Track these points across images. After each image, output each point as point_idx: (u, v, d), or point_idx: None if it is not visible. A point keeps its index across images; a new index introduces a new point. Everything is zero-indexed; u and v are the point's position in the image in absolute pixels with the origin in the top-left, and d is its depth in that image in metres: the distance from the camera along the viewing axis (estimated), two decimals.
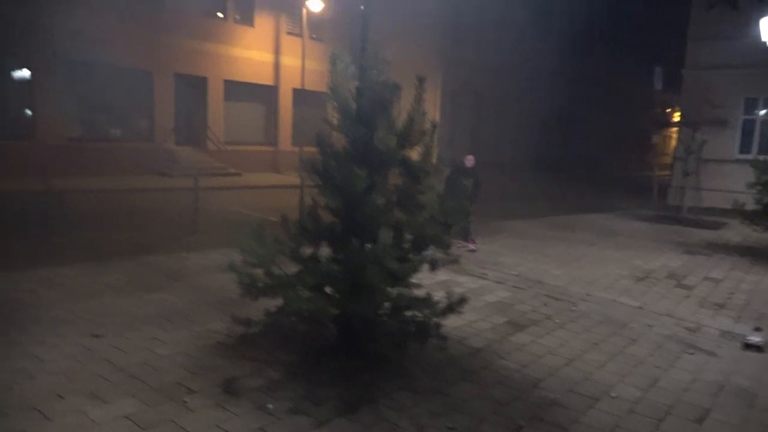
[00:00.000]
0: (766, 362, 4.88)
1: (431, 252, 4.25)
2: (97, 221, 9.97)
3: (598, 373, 4.45)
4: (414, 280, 4.22)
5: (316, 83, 21.00)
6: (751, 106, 17.32)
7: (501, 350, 4.79)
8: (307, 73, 20.22)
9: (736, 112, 17.19)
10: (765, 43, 13.44)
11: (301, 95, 20.94)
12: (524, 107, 29.85)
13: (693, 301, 6.72)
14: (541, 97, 29.85)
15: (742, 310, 6.49)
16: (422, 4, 22.41)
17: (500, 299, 6.33)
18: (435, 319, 4.25)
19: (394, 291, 4.10)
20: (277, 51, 21.08)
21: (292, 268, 4.19)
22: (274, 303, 4.25)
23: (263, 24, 20.61)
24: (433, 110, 23.60)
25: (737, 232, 12.17)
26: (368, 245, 3.77)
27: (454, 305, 4.24)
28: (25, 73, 15.59)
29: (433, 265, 4.21)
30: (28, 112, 15.69)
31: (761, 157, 11.61)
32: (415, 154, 4.05)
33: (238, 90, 20.21)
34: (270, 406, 3.58)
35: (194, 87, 19.12)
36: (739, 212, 10.48)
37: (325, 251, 4.22)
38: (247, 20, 20.31)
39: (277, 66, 21.15)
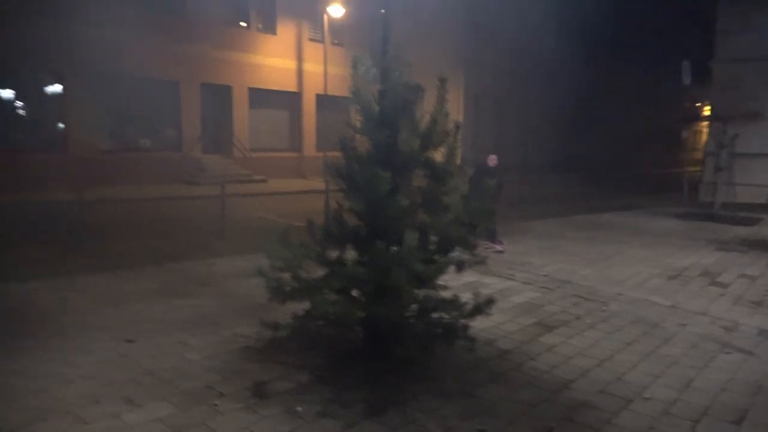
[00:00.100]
0: None
1: (457, 253, 4.23)
2: (128, 230, 10.18)
3: (631, 373, 4.36)
4: (440, 281, 4.20)
5: (339, 88, 21.22)
6: None
7: (530, 351, 4.74)
8: (329, 78, 20.39)
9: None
10: None
11: (324, 101, 21.12)
12: (548, 108, 29.54)
13: (728, 299, 6.55)
14: (565, 96, 29.50)
15: None
16: (444, 7, 22.40)
17: (528, 300, 6.26)
18: (462, 321, 4.22)
19: (420, 293, 4.09)
20: (299, 57, 21.28)
21: (319, 272, 4.22)
22: (301, 307, 4.28)
23: (285, 31, 20.83)
24: (456, 113, 23.52)
25: None
26: (393, 248, 3.78)
27: (482, 306, 4.21)
28: (57, 87, 16.03)
29: (460, 267, 4.18)
30: (61, 125, 16.12)
31: None
32: (438, 155, 4.04)
33: (262, 97, 20.46)
34: (299, 409, 3.60)
35: (220, 96, 19.41)
36: None
37: (350, 254, 4.24)
38: (270, 28, 20.55)
39: (300, 72, 21.36)
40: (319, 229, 4.22)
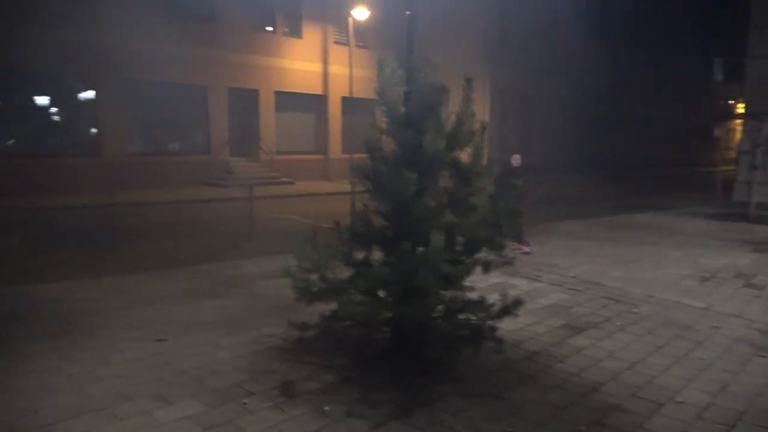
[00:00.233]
0: None
1: (484, 254, 4.21)
2: (157, 232, 10.38)
3: (663, 377, 4.28)
4: (467, 283, 4.18)
5: (364, 90, 21.22)
6: None
7: (559, 354, 4.68)
8: (354, 80, 20.45)
9: None
10: None
11: (349, 103, 21.21)
12: (574, 106, 29.14)
13: (764, 302, 6.37)
14: (591, 95, 29.09)
15: None
16: (468, 7, 22.31)
17: (557, 302, 6.18)
18: (489, 322, 4.20)
19: (446, 294, 4.08)
20: (325, 60, 21.43)
21: (345, 273, 4.24)
22: (328, 308, 4.31)
23: (311, 35, 21.00)
24: (481, 112, 23.34)
25: None
26: (420, 248, 3.77)
27: (509, 308, 4.18)
28: (90, 93, 16.44)
29: (486, 268, 4.16)
30: (94, 130, 16.52)
31: None
32: (464, 155, 4.02)
33: (288, 100, 20.65)
34: (326, 408, 3.62)
35: (246, 100, 19.66)
36: None
37: (376, 255, 4.25)
38: (296, 32, 20.75)
39: (325, 75, 21.50)
40: (345, 230, 4.24)
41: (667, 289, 6.79)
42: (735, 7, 19.18)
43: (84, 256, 8.01)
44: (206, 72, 18.14)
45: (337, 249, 4.16)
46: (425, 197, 3.78)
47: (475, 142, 3.98)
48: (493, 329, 4.21)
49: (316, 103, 21.69)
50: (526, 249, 8.64)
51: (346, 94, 21.22)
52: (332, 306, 4.24)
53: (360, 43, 21.82)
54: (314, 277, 4.22)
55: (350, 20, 20.10)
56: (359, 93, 20.93)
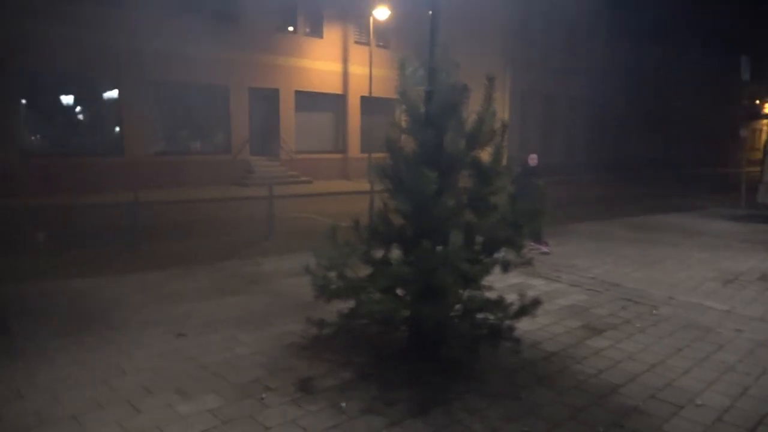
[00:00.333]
0: None
1: (502, 254, 4.21)
2: (180, 230, 10.54)
3: (682, 379, 4.23)
4: (485, 282, 4.18)
5: (384, 90, 21.32)
6: None
7: (577, 355, 4.66)
8: (374, 80, 20.52)
9: None
10: None
11: (368, 102, 21.27)
12: (597, 106, 28.79)
13: None
14: (615, 94, 28.71)
15: None
16: (490, 6, 22.20)
17: (575, 302, 6.15)
18: (508, 322, 4.19)
19: (465, 293, 4.09)
20: (345, 60, 21.51)
21: (364, 271, 4.27)
22: (346, 306, 4.35)
23: (331, 35, 21.11)
24: (501, 112, 23.19)
25: None
26: (439, 247, 3.79)
27: (528, 308, 4.17)
28: (114, 93, 16.73)
29: (505, 267, 4.16)
30: (117, 129, 16.82)
31: None
32: (485, 155, 4.03)
33: (308, 100, 20.79)
34: (343, 405, 3.66)
35: (267, 99, 19.83)
36: None
37: (395, 254, 4.27)
38: (317, 32, 20.87)
39: (345, 75, 21.59)
40: (365, 229, 4.27)
41: (689, 292, 6.70)
42: (763, 5, 18.80)
43: (107, 253, 8.16)
44: (228, 72, 18.35)
45: (356, 247, 4.20)
46: (445, 196, 3.79)
47: (495, 141, 3.98)
48: (511, 329, 4.21)
49: (335, 102, 21.80)
50: (544, 249, 8.59)
51: (366, 94, 21.29)
52: (351, 304, 4.28)
53: (380, 43, 21.89)
54: (333, 275, 4.26)
55: (371, 20, 20.16)
56: (378, 93, 21.00)
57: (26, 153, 14.98)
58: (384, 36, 22.06)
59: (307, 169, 20.12)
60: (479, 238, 4.12)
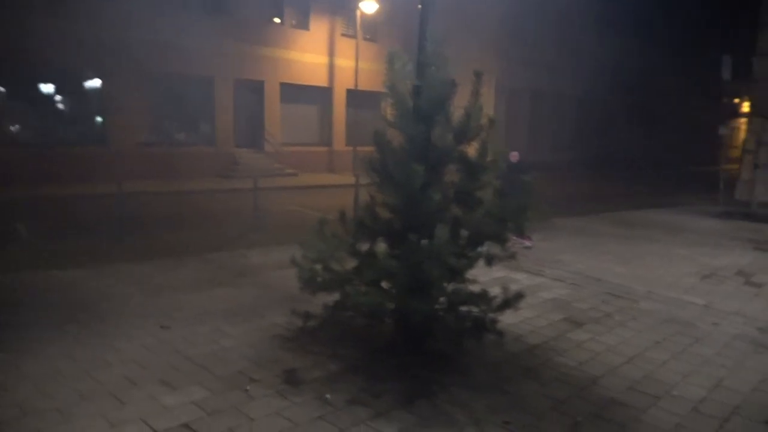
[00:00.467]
0: None
1: (486, 248, 4.27)
2: (167, 221, 10.47)
3: (660, 371, 4.34)
4: (469, 276, 4.24)
5: (370, 83, 21.30)
6: None
7: (559, 347, 4.75)
8: (360, 73, 20.48)
9: None
10: None
11: (354, 96, 21.22)
12: (584, 103, 29.04)
13: (763, 300, 6.42)
14: (601, 92, 28.96)
15: None
16: (477, 1, 22.21)
17: (558, 296, 6.25)
18: (491, 315, 4.26)
19: (449, 286, 4.14)
20: (331, 53, 21.42)
21: (350, 264, 4.31)
22: (332, 298, 4.38)
23: (318, 27, 20.99)
24: (487, 108, 23.30)
25: None
26: (425, 241, 3.83)
27: (511, 301, 4.24)
28: (97, 82, 16.50)
29: (490, 261, 4.22)
30: (98, 119, 16.61)
31: None
32: (471, 150, 4.07)
33: (293, 92, 20.67)
34: (328, 396, 3.70)
35: (252, 91, 19.69)
36: None
37: (381, 247, 4.31)
38: (303, 24, 20.74)
39: (331, 68, 21.50)
40: (352, 222, 4.30)
41: (669, 286, 6.84)
42: (745, 6, 19.09)
43: (93, 244, 8.09)
44: (213, 63, 18.17)
45: (343, 240, 4.23)
46: (432, 190, 3.83)
47: (482, 136, 4.02)
48: (495, 322, 4.27)
49: (321, 95, 21.71)
50: (527, 243, 8.69)
51: (352, 87, 21.25)
52: (337, 297, 4.32)
53: (367, 36, 21.81)
54: (319, 267, 4.28)
55: (358, 13, 20.09)
56: (365, 86, 20.97)
57: (7, 143, 14.74)
58: (371, 29, 22.00)
59: (292, 161, 20.04)
60: (464, 232, 4.18)
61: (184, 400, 3.61)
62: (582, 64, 27.80)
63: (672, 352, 4.73)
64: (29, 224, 9.04)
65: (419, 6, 4.22)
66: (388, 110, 4.19)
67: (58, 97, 16.25)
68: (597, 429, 3.45)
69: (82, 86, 16.54)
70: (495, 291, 4.42)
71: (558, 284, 6.77)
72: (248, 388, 3.79)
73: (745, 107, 24.85)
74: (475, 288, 4.28)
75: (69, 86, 16.28)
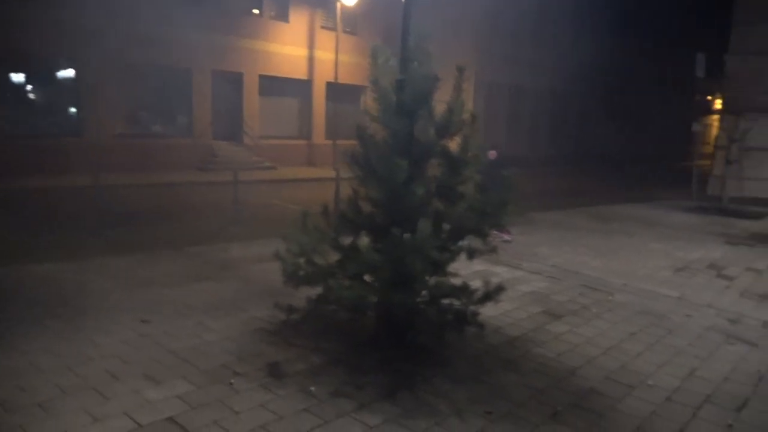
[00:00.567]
0: None
1: (466, 242, 4.33)
2: (143, 215, 10.35)
3: (636, 362, 4.47)
4: (451, 269, 4.30)
5: (350, 76, 21.24)
6: None
7: (538, 339, 4.85)
8: (340, 66, 20.39)
9: None
10: None
11: (334, 89, 21.14)
12: (564, 100, 29.36)
13: (734, 292, 6.62)
14: (578, 89, 29.32)
15: None
16: None
17: (536, 289, 6.36)
18: (472, 308, 4.32)
19: (431, 280, 4.20)
20: (311, 45, 21.30)
21: (333, 258, 4.33)
22: (315, 292, 4.40)
23: (298, 19, 20.84)
24: (466, 104, 23.38)
25: None
26: (407, 235, 3.87)
27: (491, 294, 4.31)
28: (71, 72, 16.17)
29: (471, 255, 4.28)
30: (73, 109, 16.29)
31: None
32: (453, 145, 4.13)
33: (272, 85, 20.53)
34: (312, 389, 3.73)
35: (231, 83, 19.50)
36: None
37: (364, 241, 4.34)
38: (283, 16, 20.57)
39: (311, 60, 21.39)
40: (335, 215, 4.33)
41: (643, 279, 7.01)
42: (719, 5, 19.52)
43: (70, 238, 7.98)
44: (191, 54, 17.93)
45: (326, 234, 4.25)
46: (415, 185, 3.87)
47: (464, 131, 4.08)
48: (476, 315, 4.34)
49: (301, 88, 21.58)
50: (506, 237, 8.80)
51: (332, 80, 21.15)
52: (319, 290, 4.34)
53: (347, 29, 21.72)
54: (302, 261, 4.30)
55: (338, 5, 19.99)
56: (345, 79, 20.90)
57: None
58: (351, 22, 21.91)
59: (271, 154, 19.91)
60: (446, 226, 4.23)
61: (168, 394, 3.60)
62: (560, 60, 28.08)
63: (647, 343, 4.86)
64: (3, 218, 8.87)
65: (402, 0, 4.24)
66: (371, 104, 4.21)
67: (30, 87, 15.89)
68: (576, 418, 3.55)
69: (56, 76, 16.20)
70: (476, 284, 4.50)
71: (536, 277, 6.89)
72: (232, 381, 3.80)
73: (718, 104, 25.43)
74: (456, 281, 4.34)
75: (42, 75, 15.94)
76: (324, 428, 3.29)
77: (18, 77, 15.54)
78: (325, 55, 21.26)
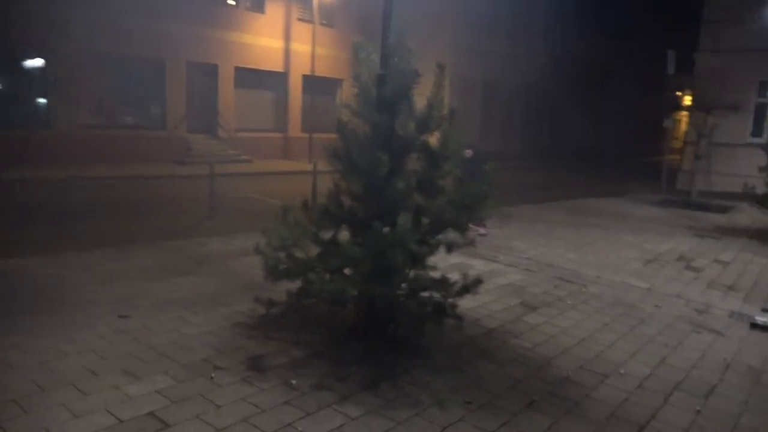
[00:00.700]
0: None
1: (446, 235, 4.39)
2: (117, 208, 10.19)
3: (608, 351, 4.60)
4: (429, 262, 4.36)
5: (326, 69, 21.15)
6: (765, 89, 17.23)
7: (515, 330, 4.95)
8: (317, 59, 20.29)
9: (749, 96, 17.10)
10: None
11: (311, 81, 21.03)
12: (535, 95, 29.68)
13: (702, 283, 6.84)
14: (552, 85, 29.68)
15: (750, 291, 6.61)
16: None
17: (512, 282, 6.47)
18: (451, 300, 4.39)
19: (411, 273, 4.25)
20: (287, 37, 21.12)
21: (313, 252, 4.35)
22: (295, 285, 4.41)
23: (274, 10, 20.63)
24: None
25: (747, 216, 12.21)
26: (387, 228, 3.92)
27: (470, 286, 4.38)
28: (41, 63, 15.76)
29: (450, 248, 4.34)
30: (42, 101, 15.90)
31: None
32: (432, 140, 4.17)
33: (248, 77, 20.31)
34: (294, 382, 3.75)
35: (206, 74, 19.24)
36: (749, 196, 10.54)
37: (344, 235, 4.37)
38: (258, 7, 20.35)
39: (287, 52, 21.21)
40: (316, 209, 4.34)
41: (616, 271, 7.18)
42: (691, 3, 19.97)
43: (40, 231, 7.82)
44: (164, 44, 17.63)
45: (306, 228, 4.26)
46: (396, 179, 3.91)
47: (444, 126, 4.13)
48: (454, 307, 4.41)
49: (277, 80, 21.40)
50: (482, 231, 8.91)
51: (308, 73, 21.04)
52: (299, 284, 4.35)
53: (324, 21, 21.59)
54: (283, 255, 4.31)
55: None
56: (321, 72, 20.81)
57: None
58: (328, 15, 21.77)
59: (246, 147, 19.73)
60: (425, 220, 4.28)
61: (149, 389, 3.59)
62: (534, 56, 28.38)
63: (619, 333, 5.01)
64: None
65: None
66: (352, 99, 4.23)
67: None
68: (551, 406, 3.65)
69: (23, 66, 15.78)
70: (454, 277, 4.57)
71: (512, 270, 7.01)
72: (213, 375, 3.80)
73: (687, 101, 26.03)
74: (435, 274, 4.40)
75: (9, 66, 15.50)
76: (306, 420, 3.32)
77: None
78: (301, 47, 21.11)
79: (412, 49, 3.96)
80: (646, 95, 37.66)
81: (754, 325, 5.32)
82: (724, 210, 13.16)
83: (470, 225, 8.48)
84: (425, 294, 4.37)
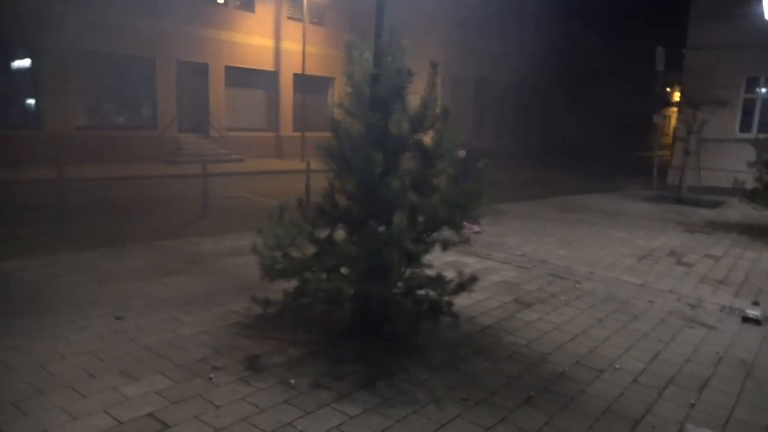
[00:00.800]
0: (764, 335, 5.08)
1: (441, 233, 4.41)
2: (109, 208, 10.13)
3: (603, 347, 4.64)
4: (425, 260, 4.38)
5: (317, 68, 21.11)
6: (753, 85, 17.40)
7: (510, 327, 4.98)
8: (308, 57, 20.24)
9: (737, 92, 17.26)
10: (767, 22, 13.48)
11: (301, 80, 20.98)
12: (526, 92, 29.79)
13: (693, 278, 6.91)
14: (543, 81, 29.80)
15: (741, 285, 6.69)
16: None
17: (506, 279, 6.51)
18: (446, 298, 4.42)
19: (407, 271, 4.27)
20: (277, 36, 21.06)
21: (308, 251, 4.36)
22: (290, 285, 4.42)
23: (264, 9, 20.57)
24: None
25: (737, 211, 12.33)
26: (382, 227, 3.93)
27: (465, 284, 4.40)
28: (30, 63, 15.63)
29: (445, 246, 4.36)
30: (30, 101, 15.77)
31: (761, 136, 11.73)
32: (427, 138, 4.19)
33: (239, 76, 20.24)
34: (292, 381, 3.77)
35: (196, 74, 19.15)
36: (738, 191, 10.65)
37: (340, 234, 4.38)
38: (248, 6, 20.27)
39: (277, 51, 21.16)
40: (312, 208, 4.35)
41: (608, 267, 7.24)
42: (678, 0, 20.13)
43: (33, 232, 7.77)
44: (154, 43, 17.54)
45: (302, 227, 4.27)
46: (390, 178, 3.93)
47: (437, 125, 4.15)
48: (450, 304, 4.44)
49: (267, 79, 21.34)
50: (476, 228, 8.95)
51: (299, 71, 20.99)
52: (294, 283, 4.36)
53: (314, 20, 21.55)
54: (279, 254, 4.31)
55: None
56: (312, 70, 20.77)
57: None
58: (318, 13, 21.74)
59: (238, 147, 19.68)
60: (420, 218, 4.30)
61: (147, 390, 3.59)
62: (524, 53, 28.47)
63: (613, 329, 5.05)
64: None
65: None
66: (345, 98, 4.24)
67: None
68: (548, 402, 3.68)
69: (12, 65, 15.64)
70: (449, 275, 4.59)
71: (506, 267, 7.05)
72: (212, 375, 3.81)
73: (677, 97, 26.23)
74: (430, 272, 4.43)
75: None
76: (305, 419, 3.34)
77: None
78: (292, 46, 21.07)
79: (405, 47, 3.97)
80: (636, 92, 37.88)
81: (746, 319, 5.38)
82: (714, 205, 13.29)
83: (465, 223, 8.58)
84: (421, 292, 4.39)
